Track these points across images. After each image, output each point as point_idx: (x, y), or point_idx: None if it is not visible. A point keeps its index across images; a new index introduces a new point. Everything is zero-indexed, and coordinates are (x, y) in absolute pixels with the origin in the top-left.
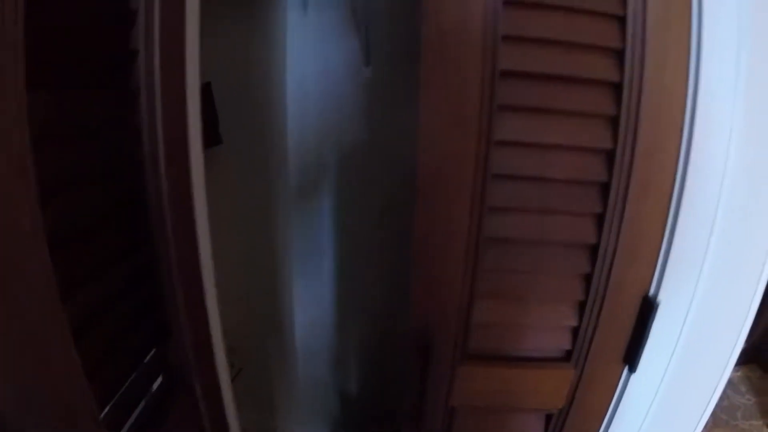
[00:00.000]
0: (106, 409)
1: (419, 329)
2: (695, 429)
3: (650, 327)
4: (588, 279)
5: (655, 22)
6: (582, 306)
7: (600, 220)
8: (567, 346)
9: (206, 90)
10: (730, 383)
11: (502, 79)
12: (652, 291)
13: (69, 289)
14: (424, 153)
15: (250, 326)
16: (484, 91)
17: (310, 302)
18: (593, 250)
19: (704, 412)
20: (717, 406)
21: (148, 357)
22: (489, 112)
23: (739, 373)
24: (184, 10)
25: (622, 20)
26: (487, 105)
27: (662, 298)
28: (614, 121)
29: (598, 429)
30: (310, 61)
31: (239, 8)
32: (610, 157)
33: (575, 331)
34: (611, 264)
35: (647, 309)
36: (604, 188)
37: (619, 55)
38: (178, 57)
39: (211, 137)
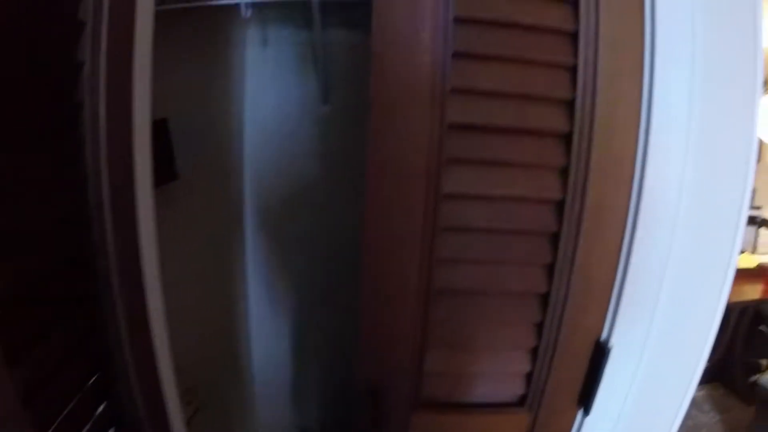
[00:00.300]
0: None
1: (370, 378)
2: None
3: (603, 370)
4: (540, 326)
5: (606, 72)
6: (535, 352)
7: (551, 269)
8: (521, 391)
9: (162, 126)
10: (694, 402)
11: (450, 131)
12: (604, 335)
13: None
14: (371, 205)
15: (208, 365)
16: (432, 144)
17: (269, 340)
18: (545, 298)
19: None
20: (681, 426)
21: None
22: (437, 165)
23: (702, 392)
24: (132, 58)
25: (572, 70)
26: (435, 158)
27: (615, 342)
28: (564, 172)
29: None
30: (269, 97)
31: (199, 44)
32: (560, 207)
33: (529, 377)
34: (563, 311)
35: (600, 353)
36: (555, 238)
37: (570, 105)
38: (125, 100)
39: (167, 174)
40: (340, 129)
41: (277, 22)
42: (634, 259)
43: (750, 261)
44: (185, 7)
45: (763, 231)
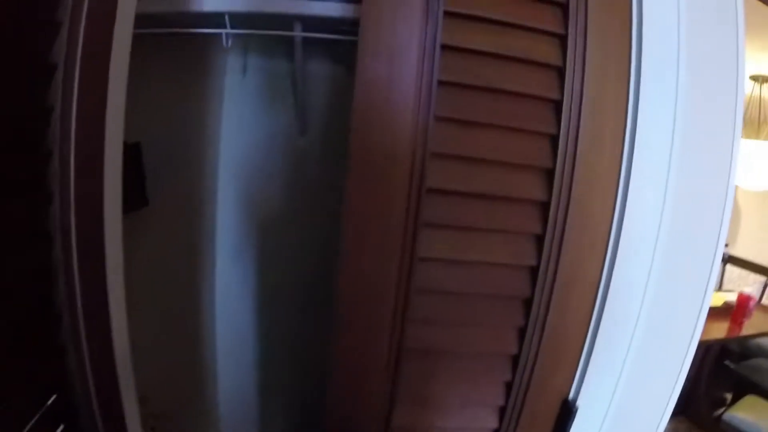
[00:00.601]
0: None
1: (338, 428)
2: None
3: (569, 429)
4: (509, 385)
5: (587, 140)
6: (503, 410)
7: (522, 331)
8: None
9: (134, 150)
10: None
11: (428, 194)
12: (571, 395)
13: None
14: (346, 260)
15: (174, 393)
16: (409, 207)
17: (234, 370)
18: (515, 359)
19: None
20: None
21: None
22: (414, 229)
23: (668, 426)
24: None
25: (554, 139)
26: (412, 221)
27: (581, 402)
28: (539, 239)
29: None
30: (246, 125)
31: (177, 68)
32: (534, 272)
33: None
34: (532, 372)
35: (566, 412)
36: (527, 302)
37: (549, 174)
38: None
39: (137, 199)
40: (317, 160)
41: (258, 51)
42: (605, 321)
43: (716, 299)
44: (165, 32)
45: (729, 267)
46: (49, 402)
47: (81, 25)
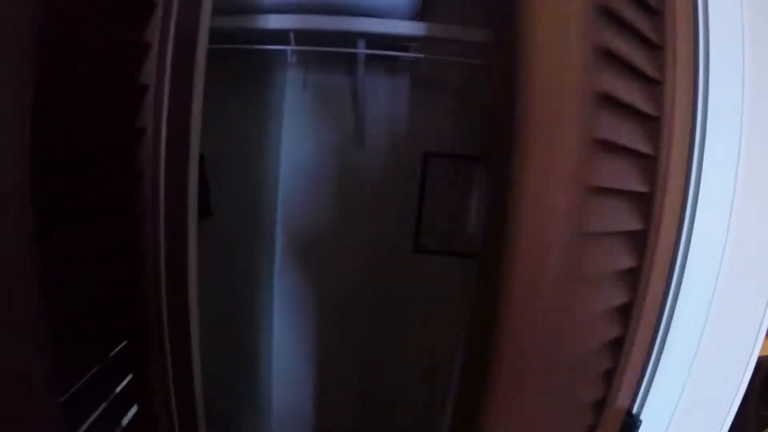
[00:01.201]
0: None
1: None
2: None
3: None
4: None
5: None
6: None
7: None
8: None
9: (200, 163)
10: None
11: None
12: (635, 409)
13: None
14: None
15: (233, 395)
16: None
17: (290, 375)
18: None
19: None
20: None
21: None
22: None
23: None
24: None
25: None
26: None
27: (644, 416)
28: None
29: None
30: (305, 138)
31: (240, 83)
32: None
33: None
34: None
35: (630, 426)
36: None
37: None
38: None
39: (201, 210)
40: (373, 172)
41: (318, 66)
42: (671, 334)
43: None
44: (232, 48)
45: None
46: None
47: (169, 45)
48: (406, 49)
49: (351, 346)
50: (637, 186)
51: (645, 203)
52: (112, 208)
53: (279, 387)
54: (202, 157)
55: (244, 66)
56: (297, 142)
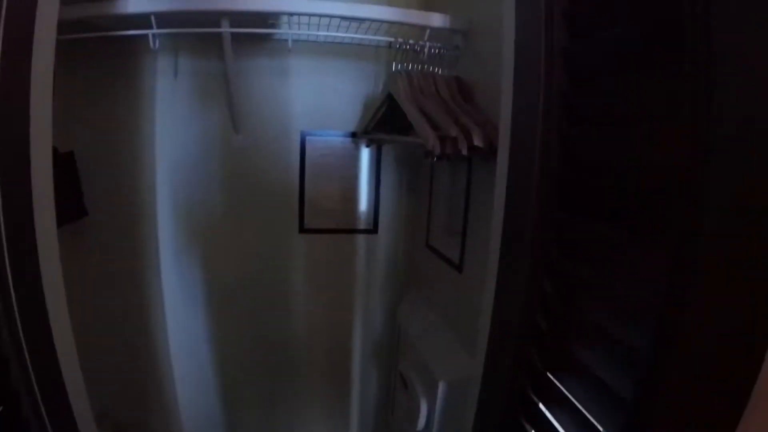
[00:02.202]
0: None
1: None
2: None
3: None
4: None
5: None
6: None
7: None
8: None
9: (68, 159)
10: None
11: None
12: None
13: None
14: None
15: (134, 404)
16: None
17: (191, 374)
18: None
19: None
20: None
21: None
22: None
23: None
24: (28, 81)
25: None
26: None
27: None
28: None
29: None
30: (181, 127)
31: (108, 74)
32: None
33: None
34: None
35: None
36: None
37: None
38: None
39: (76, 209)
40: (252, 157)
41: (188, 52)
42: None
43: None
44: (92, 37)
45: None
46: None
47: None
48: (275, 26)
49: (248, 332)
50: None
51: None
52: None
53: (183, 386)
54: (71, 154)
55: (111, 57)
56: (173, 131)
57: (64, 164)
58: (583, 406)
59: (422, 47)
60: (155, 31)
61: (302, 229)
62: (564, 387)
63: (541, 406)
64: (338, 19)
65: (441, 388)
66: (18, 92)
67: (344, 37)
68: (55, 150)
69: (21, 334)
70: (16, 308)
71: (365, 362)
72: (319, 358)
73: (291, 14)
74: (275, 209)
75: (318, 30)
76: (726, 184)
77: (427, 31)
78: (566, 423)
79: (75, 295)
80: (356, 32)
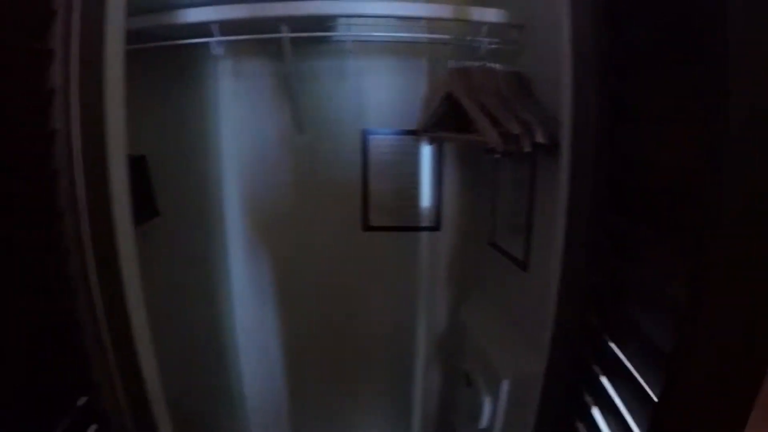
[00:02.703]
0: None
1: None
2: None
3: None
4: None
5: None
6: None
7: None
8: None
9: (141, 163)
10: None
11: None
12: None
13: None
14: None
15: (203, 395)
16: None
17: (258, 368)
18: None
19: None
20: None
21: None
22: None
23: None
24: (102, 90)
25: None
26: None
27: None
28: None
29: None
30: (245, 128)
31: (173, 81)
32: None
33: None
34: None
35: None
36: None
37: None
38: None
39: (148, 211)
40: (315, 156)
41: (249, 54)
42: None
43: None
44: (157, 46)
45: None
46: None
47: (71, 50)
48: (333, 29)
49: (312, 328)
50: None
51: None
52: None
53: (250, 378)
54: (143, 158)
55: (176, 63)
56: (237, 132)
57: (136, 168)
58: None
59: (480, 43)
60: (217, 39)
61: (366, 227)
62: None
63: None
64: (394, 19)
65: (504, 385)
66: (93, 102)
67: (401, 37)
68: (128, 154)
69: (103, 330)
70: (98, 305)
71: (429, 360)
72: (382, 355)
73: (348, 16)
74: (339, 207)
75: (374, 30)
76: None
77: (484, 27)
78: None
79: (148, 291)
80: (412, 31)
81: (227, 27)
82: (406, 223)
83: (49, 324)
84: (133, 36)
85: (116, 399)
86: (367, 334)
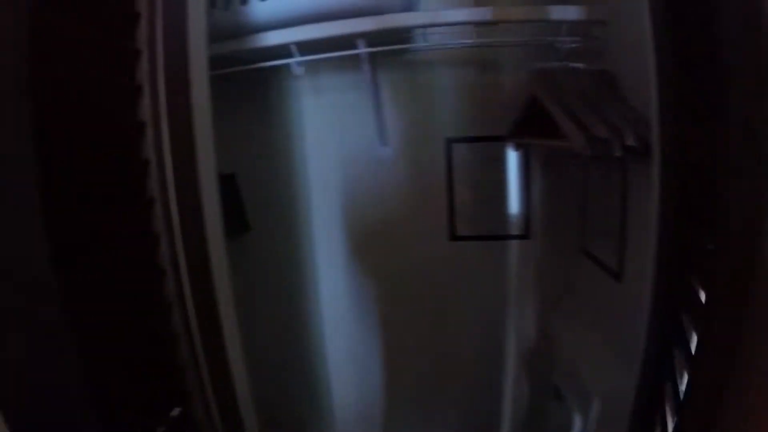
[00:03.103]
0: None
1: None
2: None
3: None
4: None
5: None
6: None
7: None
8: None
9: (230, 181)
10: None
11: None
12: None
13: None
14: None
15: (293, 402)
16: None
17: (347, 377)
18: None
19: None
20: None
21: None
22: None
23: None
24: (191, 117)
25: None
26: None
27: None
28: None
29: None
30: (328, 142)
31: (257, 101)
32: None
33: None
34: None
35: None
36: None
37: None
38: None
39: (240, 226)
40: (400, 167)
41: (329, 70)
42: None
43: None
44: (240, 70)
45: None
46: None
47: (159, 86)
48: (409, 40)
49: (399, 338)
50: None
51: None
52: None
53: (338, 388)
54: (233, 177)
55: (259, 84)
56: (321, 147)
57: (226, 185)
58: None
59: (561, 43)
60: (297, 59)
61: (452, 237)
62: None
63: None
64: (471, 25)
65: (596, 405)
66: (183, 126)
67: (479, 42)
68: (218, 172)
69: (197, 343)
70: (192, 319)
71: (518, 371)
72: (470, 366)
73: (424, 26)
74: (425, 217)
75: (451, 38)
76: None
77: (564, 26)
78: None
79: (240, 301)
80: (490, 36)
81: (305, 46)
82: (494, 231)
83: (148, 339)
84: (216, 62)
85: (208, 409)
86: (455, 343)
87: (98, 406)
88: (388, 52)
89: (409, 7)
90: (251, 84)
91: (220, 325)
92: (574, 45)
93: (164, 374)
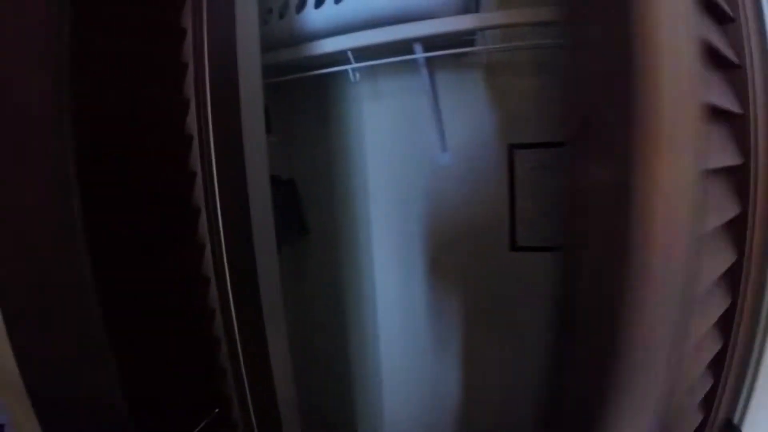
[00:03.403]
0: None
1: None
2: None
3: None
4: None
5: None
6: None
7: None
8: None
9: (290, 185)
10: None
11: None
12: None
13: None
14: None
15: (345, 406)
16: None
17: (399, 382)
18: None
19: None
20: None
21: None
22: None
23: None
24: (240, 128)
25: None
26: None
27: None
28: None
29: None
30: (388, 147)
31: (316, 107)
32: None
33: None
34: None
35: None
36: None
37: None
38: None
39: (299, 229)
40: (460, 174)
41: (386, 75)
42: None
43: None
44: (298, 77)
45: None
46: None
47: (207, 100)
48: (467, 43)
49: (459, 349)
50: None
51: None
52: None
53: (390, 394)
54: (292, 182)
55: (317, 91)
56: (380, 153)
57: (286, 190)
58: None
59: None
60: (353, 66)
61: (513, 247)
62: None
63: None
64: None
65: None
66: (230, 137)
67: (540, 43)
68: (277, 178)
69: (238, 348)
70: (234, 325)
71: None
72: (529, 377)
73: (482, 29)
74: (485, 226)
75: (511, 40)
76: None
77: None
78: None
79: (299, 302)
80: (551, 37)
81: (361, 52)
82: (557, 242)
83: (189, 342)
84: (274, 70)
85: (246, 412)
86: (515, 357)
87: (136, 407)
88: (446, 55)
89: (466, 9)
90: (310, 90)
91: (263, 330)
92: None
93: (204, 377)
